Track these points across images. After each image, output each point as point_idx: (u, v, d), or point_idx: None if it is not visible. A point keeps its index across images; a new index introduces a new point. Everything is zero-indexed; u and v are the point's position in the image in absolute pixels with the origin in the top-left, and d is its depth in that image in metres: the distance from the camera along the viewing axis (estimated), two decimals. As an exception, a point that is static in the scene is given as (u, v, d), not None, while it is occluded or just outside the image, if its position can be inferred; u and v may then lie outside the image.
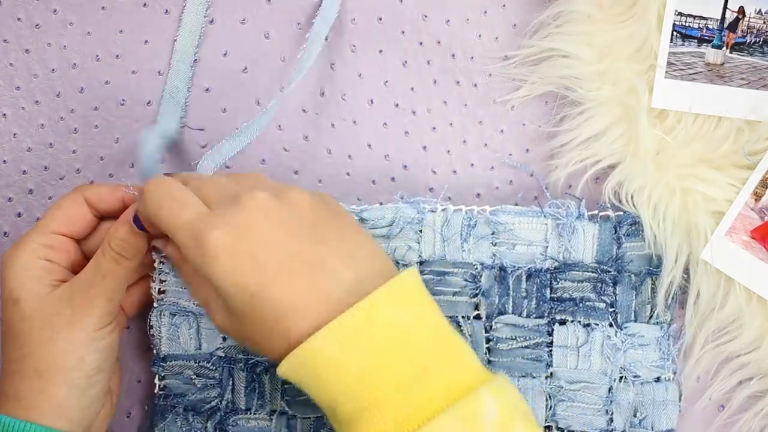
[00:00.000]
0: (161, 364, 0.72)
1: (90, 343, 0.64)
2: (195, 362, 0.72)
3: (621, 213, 0.72)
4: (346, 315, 0.57)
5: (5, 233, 0.75)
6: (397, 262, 0.71)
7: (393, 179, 0.76)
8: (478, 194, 0.76)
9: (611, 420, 0.71)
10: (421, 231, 0.71)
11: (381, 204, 0.73)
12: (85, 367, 0.64)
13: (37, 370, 0.63)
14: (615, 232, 0.71)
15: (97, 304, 0.64)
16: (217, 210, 0.60)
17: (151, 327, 0.72)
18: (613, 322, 0.71)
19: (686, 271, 0.72)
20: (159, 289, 0.71)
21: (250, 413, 0.72)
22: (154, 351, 0.72)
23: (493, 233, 0.71)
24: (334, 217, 0.62)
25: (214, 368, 0.71)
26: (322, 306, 0.58)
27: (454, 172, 0.76)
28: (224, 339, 0.71)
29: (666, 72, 0.72)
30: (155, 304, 0.71)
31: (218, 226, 0.59)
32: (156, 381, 0.72)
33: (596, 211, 0.72)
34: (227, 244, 0.58)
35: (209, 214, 0.60)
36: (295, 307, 0.58)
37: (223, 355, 0.71)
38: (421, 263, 0.71)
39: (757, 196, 0.70)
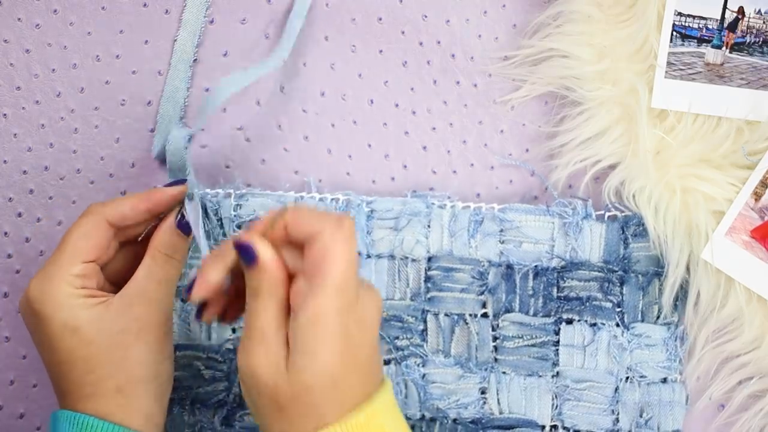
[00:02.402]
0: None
1: (160, 351, 0.65)
2: (204, 354, 0.72)
3: (628, 214, 0.72)
4: (350, 416, 0.58)
5: (5, 233, 0.75)
6: (406, 257, 0.71)
7: (393, 179, 0.76)
8: (478, 194, 0.76)
9: (617, 420, 0.71)
10: (429, 225, 0.72)
11: (382, 202, 0.73)
12: (160, 375, 0.65)
13: (119, 388, 0.63)
14: (622, 233, 0.72)
15: (158, 312, 0.65)
16: (364, 284, 0.61)
17: None
18: (619, 322, 0.71)
19: (687, 270, 0.72)
20: None
21: (257, 408, 0.72)
22: None
23: (500, 230, 0.72)
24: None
25: (222, 360, 0.72)
26: (348, 402, 0.59)
27: (454, 172, 0.76)
28: (233, 331, 0.72)
29: (666, 72, 0.72)
30: None
31: (363, 298, 0.59)
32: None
33: (603, 211, 0.72)
34: (350, 334, 0.58)
35: (361, 284, 0.60)
36: (339, 402, 0.58)
37: (232, 347, 0.72)
38: (429, 259, 0.72)
39: (757, 196, 0.70)
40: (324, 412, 0.58)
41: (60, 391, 0.65)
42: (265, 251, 0.59)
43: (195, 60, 0.76)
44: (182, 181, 0.68)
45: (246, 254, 0.59)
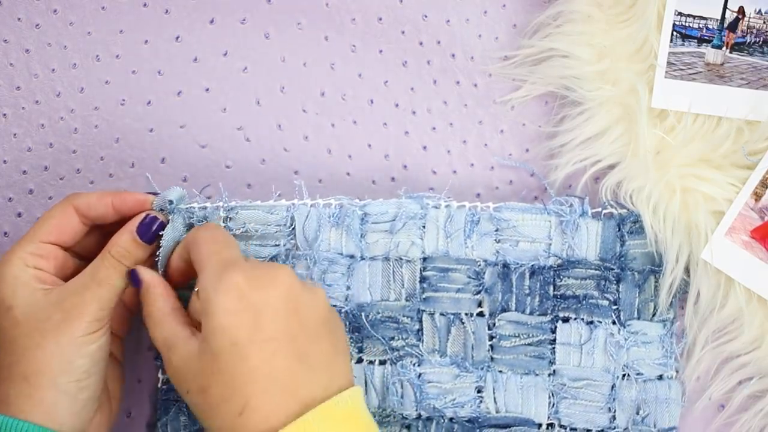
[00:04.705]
0: None
1: (78, 347, 0.64)
2: None
3: (625, 211, 0.72)
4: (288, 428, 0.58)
5: (5, 233, 0.75)
6: (400, 258, 0.71)
7: (393, 179, 0.76)
8: (478, 194, 0.76)
9: (614, 417, 0.71)
10: (424, 227, 0.71)
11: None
12: (74, 371, 0.64)
13: (25, 375, 0.63)
14: (618, 230, 0.72)
15: (87, 310, 0.64)
16: (251, 262, 0.63)
17: None
18: (616, 320, 0.71)
19: (686, 270, 0.72)
20: None
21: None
22: None
23: (496, 230, 0.72)
24: (336, 328, 0.64)
25: None
26: (286, 397, 0.59)
27: (454, 172, 0.76)
28: None
29: (666, 72, 0.72)
30: None
31: (245, 272, 0.61)
32: (159, 375, 0.72)
33: (600, 209, 0.72)
34: (242, 289, 0.60)
35: (244, 261, 0.63)
36: (263, 387, 0.59)
37: None
38: (424, 259, 0.71)
39: (757, 196, 0.70)
40: (247, 393, 0.59)
41: None
42: (144, 273, 0.66)
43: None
44: (156, 194, 0.69)
45: (134, 279, 0.66)
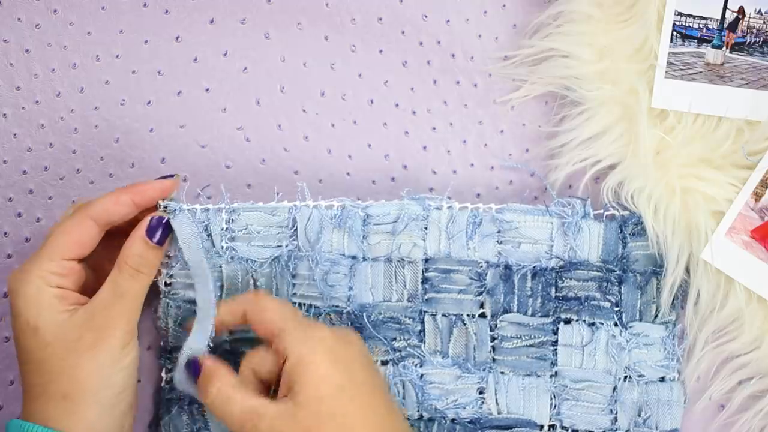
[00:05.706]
0: (168, 356, 0.72)
1: (115, 363, 0.65)
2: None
3: (626, 212, 0.72)
4: None
5: (5, 233, 0.75)
6: (402, 259, 0.71)
7: (393, 179, 0.76)
8: (478, 194, 0.76)
9: (615, 419, 0.71)
10: (426, 228, 0.71)
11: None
12: (113, 386, 0.65)
13: (65, 394, 0.63)
14: (620, 232, 0.72)
15: (118, 325, 0.65)
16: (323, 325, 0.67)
17: (158, 318, 0.72)
18: (618, 322, 0.71)
19: (687, 271, 0.72)
20: (166, 281, 0.71)
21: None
22: (161, 343, 0.72)
23: (498, 231, 0.72)
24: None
25: None
26: None
27: (454, 172, 0.76)
28: (230, 332, 0.71)
29: (666, 72, 0.72)
30: (162, 296, 0.71)
31: (327, 329, 0.65)
32: (162, 374, 0.73)
33: (602, 211, 0.72)
34: (332, 344, 0.64)
35: (319, 324, 0.67)
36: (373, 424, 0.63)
37: (228, 348, 0.71)
38: (426, 260, 0.71)
39: (757, 196, 0.70)
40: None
41: (22, 390, 0.66)
42: (205, 360, 0.66)
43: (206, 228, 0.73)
44: (171, 176, 0.69)
45: (194, 368, 0.66)
